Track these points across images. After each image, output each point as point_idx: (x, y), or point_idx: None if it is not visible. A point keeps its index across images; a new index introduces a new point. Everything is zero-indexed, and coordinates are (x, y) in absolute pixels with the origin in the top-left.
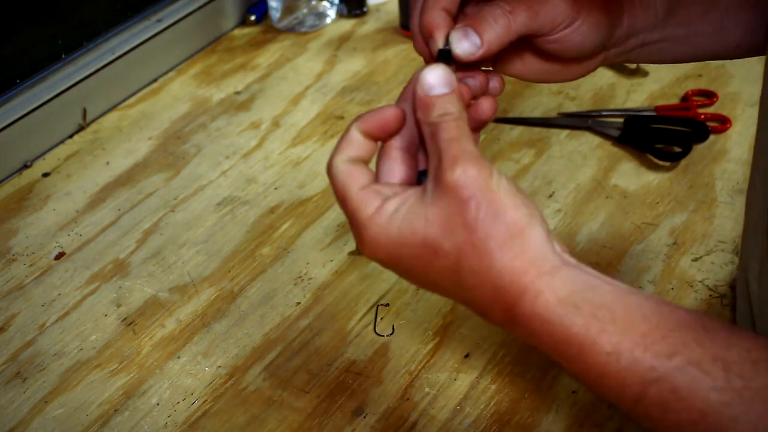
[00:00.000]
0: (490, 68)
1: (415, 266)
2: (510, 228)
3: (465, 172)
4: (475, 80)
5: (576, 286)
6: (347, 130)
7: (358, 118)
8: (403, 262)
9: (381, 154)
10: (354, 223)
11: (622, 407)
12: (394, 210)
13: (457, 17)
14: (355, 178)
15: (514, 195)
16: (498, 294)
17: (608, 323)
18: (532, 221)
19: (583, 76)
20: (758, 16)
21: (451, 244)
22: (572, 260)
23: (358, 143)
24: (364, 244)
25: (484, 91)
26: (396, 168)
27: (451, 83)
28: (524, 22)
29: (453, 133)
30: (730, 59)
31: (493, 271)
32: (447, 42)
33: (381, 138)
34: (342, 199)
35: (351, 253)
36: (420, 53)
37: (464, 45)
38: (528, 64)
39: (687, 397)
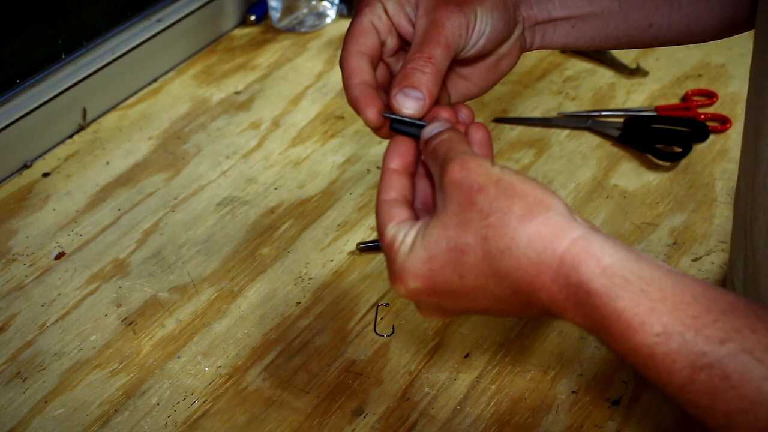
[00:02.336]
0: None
1: (450, 278)
2: (527, 201)
3: (464, 166)
4: (440, 120)
5: (618, 254)
6: (382, 172)
7: (386, 157)
8: (438, 279)
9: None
10: (387, 262)
11: (667, 391)
12: (414, 236)
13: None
14: (390, 216)
15: (523, 176)
16: (536, 267)
17: (658, 301)
18: (548, 193)
19: (517, 59)
20: None
21: (473, 235)
22: (601, 231)
23: (395, 182)
24: (396, 279)
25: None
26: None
27: (442, 125)
28: (444, 54)
29: (447, 144)
30: (652, 45)
31: (521, 244)
32: (388, 110)
33: (411, 169)
34: (379, 238)
35: (351, 253)
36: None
37: (410, 104)
38: (467, 80)
39: (738, 385)
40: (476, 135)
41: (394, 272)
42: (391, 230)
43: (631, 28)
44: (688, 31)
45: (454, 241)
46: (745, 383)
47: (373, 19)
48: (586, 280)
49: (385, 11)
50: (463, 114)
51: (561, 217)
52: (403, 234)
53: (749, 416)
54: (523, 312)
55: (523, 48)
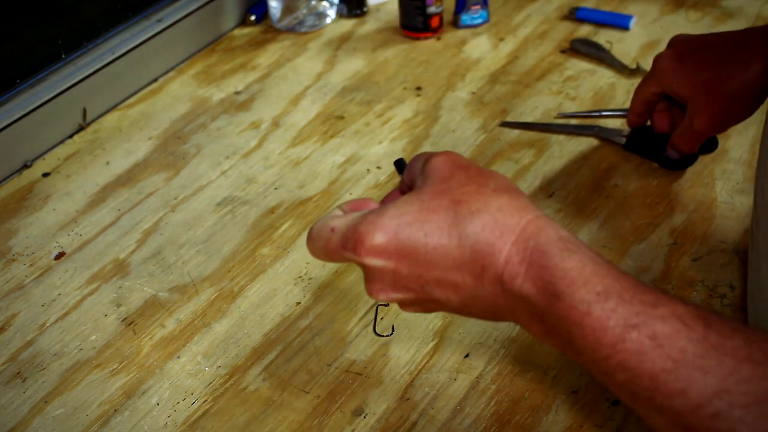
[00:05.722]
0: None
1: (415, 235)
2: (500, 181)
3: (448, 154)
4: None
5: (574, 236)
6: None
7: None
8: (402, 234)
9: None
10: (346, 232)
11: (598, 353)
12: (388, 206)
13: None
14: (333, 214)
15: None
16: (501, 229)
17: (603, 267)
18: (514, 185)
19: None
20: None
21: (448, 199)
22: None
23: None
24: (360, 237)
25: None
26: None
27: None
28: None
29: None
30: None
31: (492, 207)
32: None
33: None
34: (326, 238)
35: None
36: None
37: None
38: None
39: (665, 344)
40: None
41: (358, 232)
42: (342, 218)
43: None
44: None
45: (427, 203)
46: (672, 342)
47: (651, 82)
48: (543, 243)
49: (660, 84)
50: None
51: (526, 200)
52: (367, 210)
53: (671, 376)
54: (473, 285)
55: None
